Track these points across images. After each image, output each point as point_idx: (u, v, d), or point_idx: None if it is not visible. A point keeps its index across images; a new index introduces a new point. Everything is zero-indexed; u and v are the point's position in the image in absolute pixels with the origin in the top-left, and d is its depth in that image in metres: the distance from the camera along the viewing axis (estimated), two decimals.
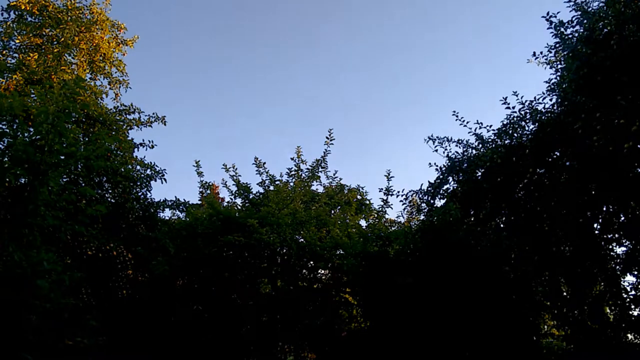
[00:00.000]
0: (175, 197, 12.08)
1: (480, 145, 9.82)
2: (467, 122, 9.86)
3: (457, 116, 9.90)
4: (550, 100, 9.14)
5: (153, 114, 11.88)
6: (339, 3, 40.83)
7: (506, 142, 9.35)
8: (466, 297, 7.83)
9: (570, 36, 8.63)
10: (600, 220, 8.62)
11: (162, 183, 11.68)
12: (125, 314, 9.59)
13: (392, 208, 17.68)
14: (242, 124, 46.74)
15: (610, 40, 7.52)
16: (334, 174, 13.43)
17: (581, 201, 8.14)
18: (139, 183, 11.32)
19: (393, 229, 10.42)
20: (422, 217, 10.08)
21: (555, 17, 8.74)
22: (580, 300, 8.56)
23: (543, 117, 8.89)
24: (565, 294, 8.97)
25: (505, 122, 9.45)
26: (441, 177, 10.19)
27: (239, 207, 12.47)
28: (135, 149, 11.29)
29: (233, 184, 12.62)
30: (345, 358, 10.15)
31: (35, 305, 5.65)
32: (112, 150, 10.36)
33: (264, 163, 12.63)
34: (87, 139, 10.21)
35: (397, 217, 10.91)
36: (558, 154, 8.77)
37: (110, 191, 11.01)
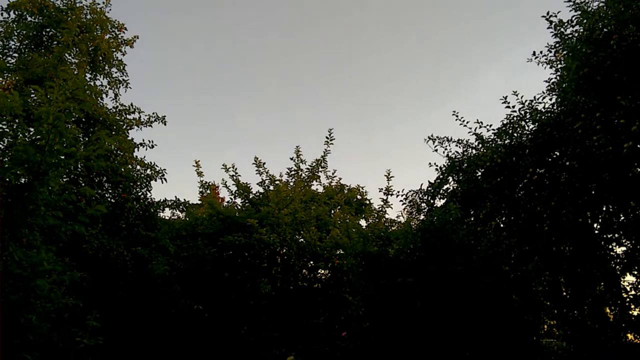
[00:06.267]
0: (175, 197, 12.10)
1: (480, 145, 9.82)
2: (467, 122, 9.87)
3: (457, 116, 9.90)
4: (550, 100, 9.14)
5: (153, 113, 11.90)
6: (334, 7, 40.87)
7: (506, 142, 9.35)
8: (466, 297, 7.83)
9: (570, 36, 8.62)
10: (600, 220, 8.62)
11: (162, 183, 11.69)
12: (125, 314, 9.59)
13: (392, 208, 17.72)
14: (242, 124, 46.76)
15: (610, 40, 7.51)
16: (333, 174, 13.47)
17: (581, 201, 8.14)
18: (139, 183, 11.32)
19: (393, 228, 10.42)
20: (422, 217, 10.07)
21: (556, 16, 8.74)
22: (580, 300, 8.56)
23: (543, 117, 8.89)
24: (565, 294, 8.97)
25: (505, 122, 9.46)
26: (441, 177, 10.19)
27: (239, 207, 12.49)
28: (135, 149, 11.29)
29: (233, 184, 12.65)
30: (345, 358, 10.16)
31: (35, 305, 5.66)
32: (112, 150, 10.35)
33: (264, 163, 12.66)
34: (87, 139, 10.21)
35: (397, 217, 10.90)
36: (558, 153, 8.77)
37: (110, 191, 11.01)
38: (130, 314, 9.72)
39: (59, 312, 6.21)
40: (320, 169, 12.95)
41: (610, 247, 8.59)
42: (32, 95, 8.78)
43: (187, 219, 12.13)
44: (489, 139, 9.72)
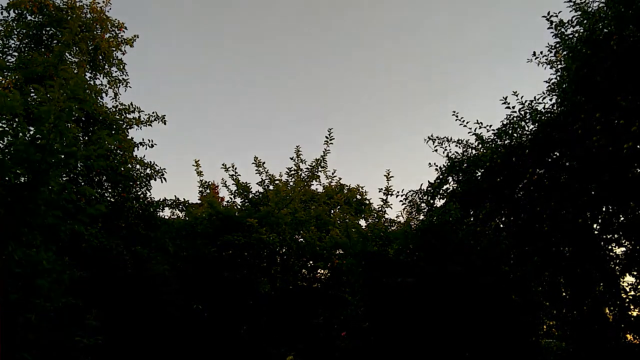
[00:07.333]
0: (175, 196, 12.11)
1: (480, 145, 9.82)
2: (467, 122, 9.86)
3: (457, 116, 9.90)
4: (550, 100, 9.14)
5: (153, 113, 11.91)
6: (335, 7, 40.90)
7: (506, 142, 9.35)
8: (466, 297, 7.83)
9: (570, 36, 8.62)
10: (600, 221, 8.61)
11: (161, 182, 11.69)
12: (125, 313, 9.59)
13: (391, 208, 17.73)
14: (243, 124, 46.76)
15: (610, 40, 7.51)
16: (333, 174, 13.47)
17: (581, 201, 8.14)
18: (138, 182, 11.33)
19: (392, 228, 10.41)
20: (421, 217, 10.07)
21: (556, 17, 8.74)
22: (579, 300, 8.56)
23: (543, 117, 8.89)
24: (564, 294, 8.97)
25: (505, 122, 9.45)
26: (441, 177, 10.18)
27: (239, 207, 12.49)
28: (135, 148, 11.29)
29: (233, 184, 12.65)
30: (344, 358, 10.16)
31: (35, 304, 5.66)
32: (112, 150, 10.35)
33: (264, 163, 12.67)
34: (87, 138, 10.21)
35: (396, 217, 10.89)
36: (558, 154, 8.77)
37: (110, 190, 11.02)
38: (130, 313, 9.72)
39: (59, 311, 6.20)
40: (320, 169, 12.95)
41: (609, 247, 8.59)
42: (32, 95, 8.78)
43: (187, 218, 12.13)
44: (489, 139, 9.72)
